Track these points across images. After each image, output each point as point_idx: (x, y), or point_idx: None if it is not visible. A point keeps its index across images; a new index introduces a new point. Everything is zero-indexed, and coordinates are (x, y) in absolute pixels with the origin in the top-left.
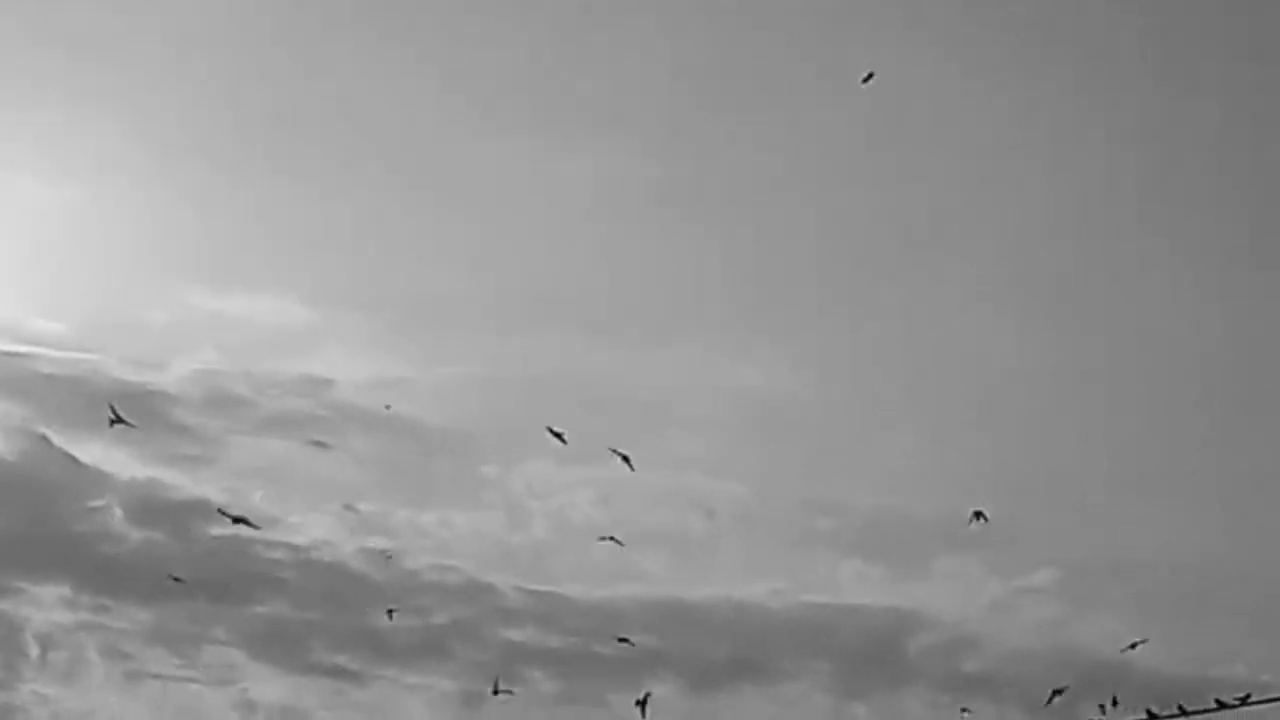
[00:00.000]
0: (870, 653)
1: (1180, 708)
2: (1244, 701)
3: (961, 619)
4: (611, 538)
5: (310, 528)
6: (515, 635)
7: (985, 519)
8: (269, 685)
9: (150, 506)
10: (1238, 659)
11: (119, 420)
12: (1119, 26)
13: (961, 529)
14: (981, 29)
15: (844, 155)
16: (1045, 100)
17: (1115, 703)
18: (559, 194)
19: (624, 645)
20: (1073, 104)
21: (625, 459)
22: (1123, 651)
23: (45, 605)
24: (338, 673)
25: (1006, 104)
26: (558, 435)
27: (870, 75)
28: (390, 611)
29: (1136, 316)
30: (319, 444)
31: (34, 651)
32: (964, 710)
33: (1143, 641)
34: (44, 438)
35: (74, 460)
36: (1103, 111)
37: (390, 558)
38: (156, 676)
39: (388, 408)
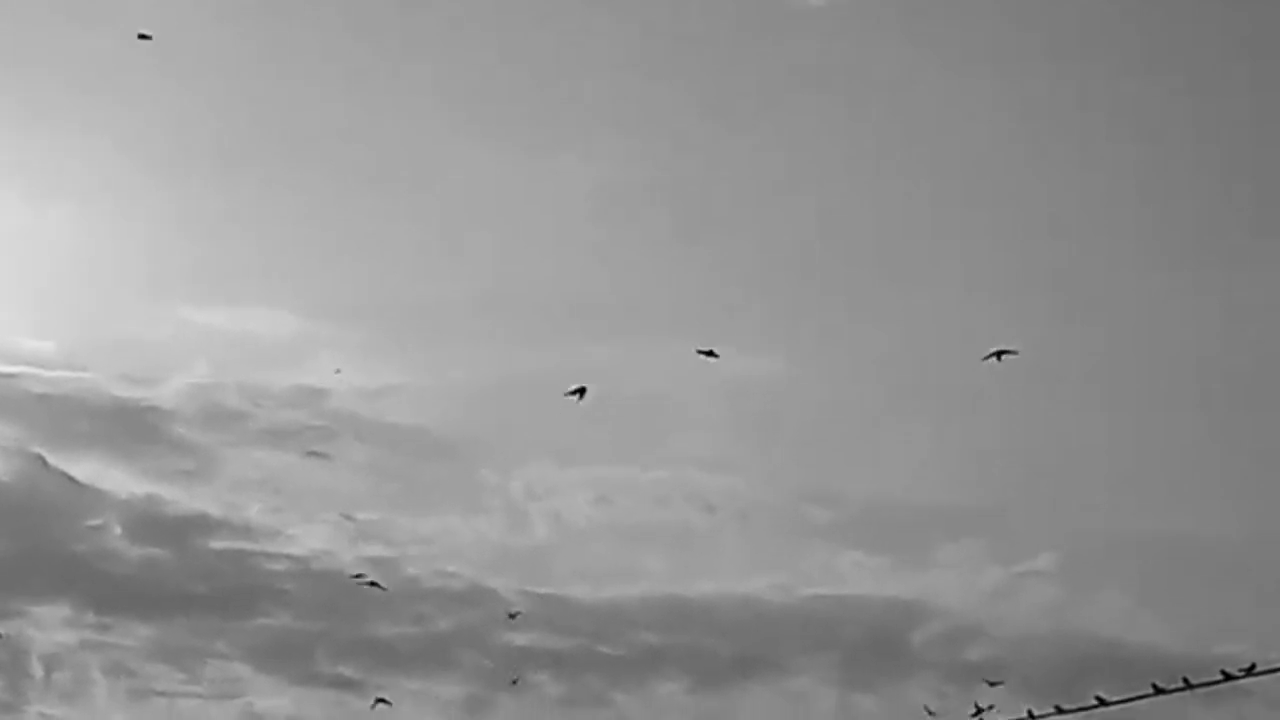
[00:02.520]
0: (874, 644)
1: (1185, 680)
2: (1249, 672)
3: (964, 607)
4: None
5: (309, 538)
6: (519, 639)
7: (1010, 354)
8: (273, 697)
9: (149, 523)
10: (1243, 634)
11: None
12: (1119, 22)
13: (961, 516)
14: (981, 26)
15: (838, 149)
16: (1040, 96)
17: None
18: (549, 195)
19: (629, 644)
20: (1069, 100)
21: None
22: (985, 359)
23: (48, 626)
24: (341, 683)
25: (1002, 98)
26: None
27: (711, 352)
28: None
29: (1131, 295)
30: (316, 454)
31: (38, 672)
32: (992, 683)
33: (1011, 352)
34: (40, 458)
35: (71, 479)
36: (1104, 109)
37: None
38: (161, 693)
39: (338, 371)
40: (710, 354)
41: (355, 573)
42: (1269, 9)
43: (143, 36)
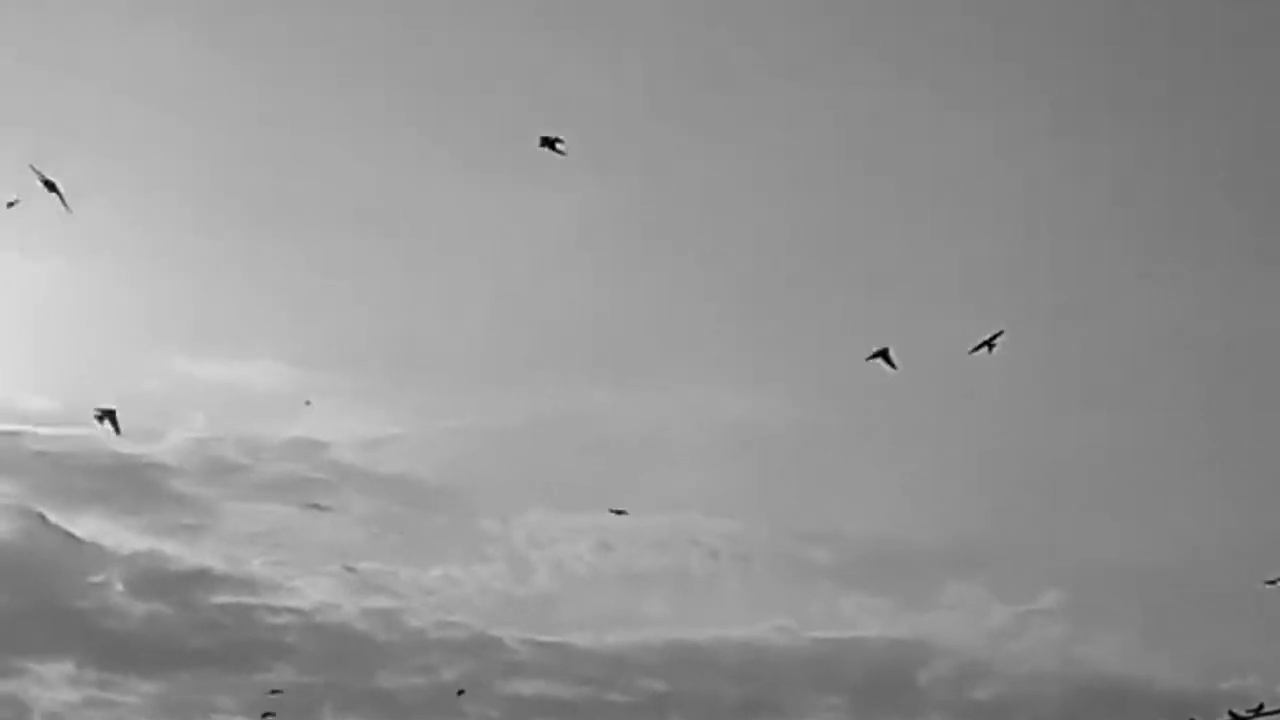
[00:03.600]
0: (881, 685)
1: None
2: (1257, 712)
3: (970, 646)
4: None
5: (312, 591)
6: (524, 688)
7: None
8: None
9: (151, 578)
10: (1251, 668)
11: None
12: (1119, 22)
13: (964, 555)
14: (975, 26)
15: (830, 183)
16: (1040, 96)
17: None
18: (539, 239)
19: (635, 691)
20: (1068, 99)
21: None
22: (972, 352)
23: (51, 684)
24: None
25: (1002, 98)
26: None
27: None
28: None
29: (1133, 328)
30: (316, 507)
31: None
32: None
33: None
34: (40, 516)
35: (72, 537)
36: (1103, 110)
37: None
38: None
39: (307, 403)
40: (620, 512)
41: (273, 688)
42: (1269, 9)
43: (10, 204)
